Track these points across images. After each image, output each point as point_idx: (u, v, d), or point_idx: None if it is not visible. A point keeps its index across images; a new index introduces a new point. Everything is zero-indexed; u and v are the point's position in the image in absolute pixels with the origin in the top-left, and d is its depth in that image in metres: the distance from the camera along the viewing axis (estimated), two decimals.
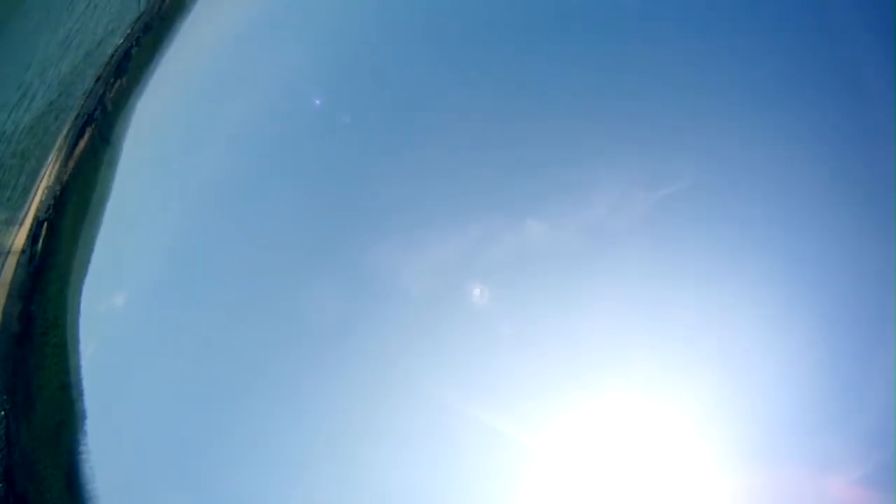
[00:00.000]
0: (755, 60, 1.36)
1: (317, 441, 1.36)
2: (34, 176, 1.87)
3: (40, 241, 1.71)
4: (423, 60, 1.62)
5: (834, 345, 1.29)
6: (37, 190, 1.83)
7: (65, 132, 1.91)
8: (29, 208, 1.80)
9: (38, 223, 1.75)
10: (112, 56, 1.99)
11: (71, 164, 1.84)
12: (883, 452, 1.26)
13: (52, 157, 1.88)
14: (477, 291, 1.43)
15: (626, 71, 1.38)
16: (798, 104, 1.34)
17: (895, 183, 1.27)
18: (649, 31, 1.42)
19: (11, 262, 1.72)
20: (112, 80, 1.93)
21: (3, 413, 1.53)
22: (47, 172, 1.85)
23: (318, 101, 1.59)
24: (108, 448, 1.46)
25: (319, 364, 1.40)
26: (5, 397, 1.55)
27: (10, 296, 1.67)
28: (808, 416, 1.29)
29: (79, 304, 1.62)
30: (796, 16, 1.38)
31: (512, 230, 1.44)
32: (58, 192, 1.80)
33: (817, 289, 1.30)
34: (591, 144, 1.43)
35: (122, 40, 2.01)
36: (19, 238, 1.76)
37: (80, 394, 1.51)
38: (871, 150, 1.30)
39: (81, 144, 1.87)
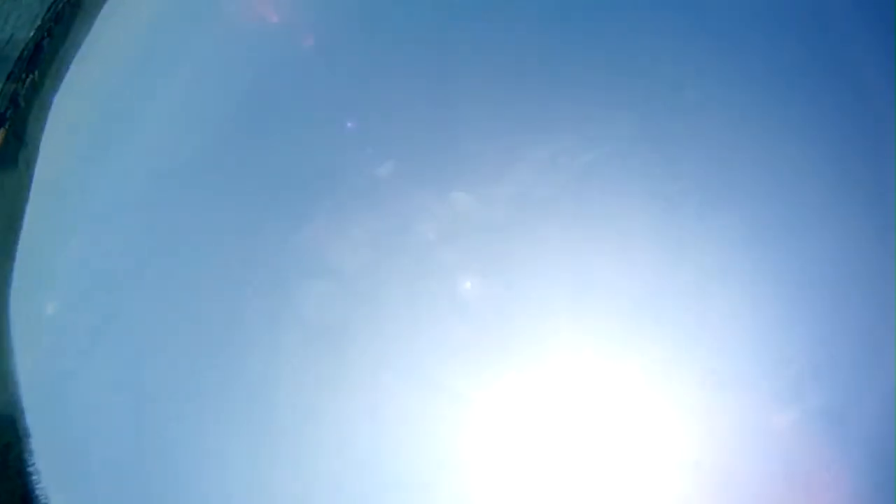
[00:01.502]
0: (753, 59, 1.37)
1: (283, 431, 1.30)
2: None
3: None
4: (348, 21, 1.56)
5: (833, 345, 1.30)
6: None
7: None
8: None
9: None
10: (23, 50, 1.83)
11: None
12: (883, 452, 1.27)
13: None
14: (414, 258, 1.40)
15: (623, 72, 1.36)
16: (796, 103, 1.35)
17: (895, 183, 1.29)
18: (645, 31, 1.41)
19: None
20: (24, 76, 1.78)
21: None
22: None
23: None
24: (58, 465, 1.36)
25: (275, 350, 1.33)
26: None
27: None
28: (804, 415, 1.29)
29: (7, 314, 1.49)
30: (796, 15, 1.39)
31: (440, 199, 1.41)
32: None
33: (815, 289, 1.31)
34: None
35: (33, 32, 1.85)
36: None
37: (22, 411, 1.39)
38: (871, 150, 1.32)
39: None
